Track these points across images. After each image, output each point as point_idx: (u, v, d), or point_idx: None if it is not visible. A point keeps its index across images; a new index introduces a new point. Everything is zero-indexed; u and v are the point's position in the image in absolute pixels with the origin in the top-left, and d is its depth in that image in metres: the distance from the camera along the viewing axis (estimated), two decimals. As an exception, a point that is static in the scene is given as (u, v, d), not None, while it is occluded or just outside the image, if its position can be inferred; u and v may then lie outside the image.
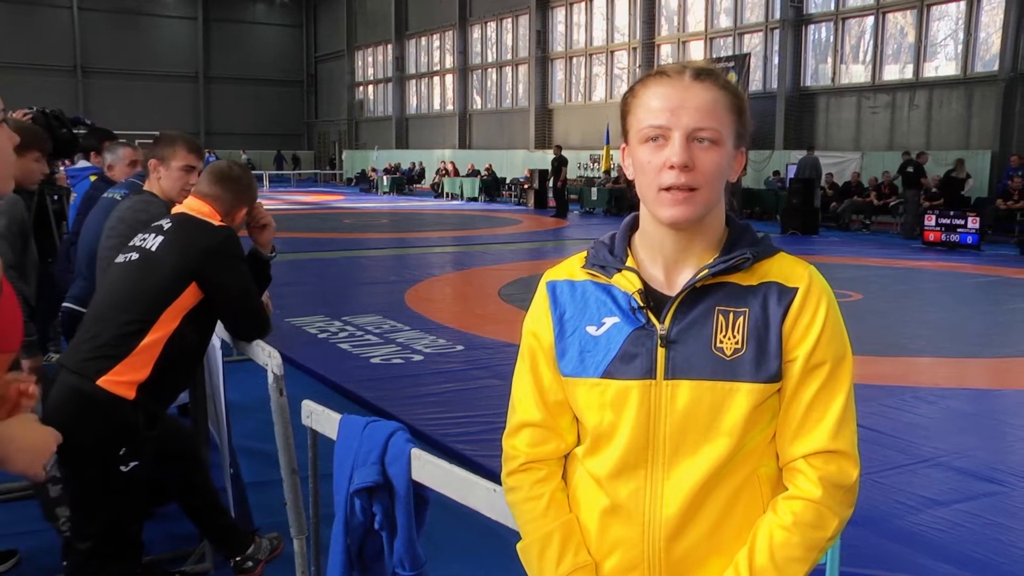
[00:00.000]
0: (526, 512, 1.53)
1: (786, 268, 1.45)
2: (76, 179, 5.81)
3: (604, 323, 1.46)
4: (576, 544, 1.49)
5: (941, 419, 5.65)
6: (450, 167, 33.03)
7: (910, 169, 17.81)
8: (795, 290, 1.42)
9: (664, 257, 1.46)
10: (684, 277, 1.44)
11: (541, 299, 1.55)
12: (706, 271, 1.41)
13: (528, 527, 1.53)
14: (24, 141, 3.72)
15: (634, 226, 1.53)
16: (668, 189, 1.38)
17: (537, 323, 1.55)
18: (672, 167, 1.37)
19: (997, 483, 4.51)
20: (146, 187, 3.74)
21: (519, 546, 1.55)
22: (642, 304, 1.43)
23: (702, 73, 1.41)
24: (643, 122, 1.41)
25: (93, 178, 5.42)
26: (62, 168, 6.06)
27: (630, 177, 1.47)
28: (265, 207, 3.33)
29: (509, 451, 1.57)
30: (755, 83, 24.89)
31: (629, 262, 1.48)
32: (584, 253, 1.55)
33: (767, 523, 1.40)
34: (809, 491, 1.39)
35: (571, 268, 1.55)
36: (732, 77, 1.55)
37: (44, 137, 4.18)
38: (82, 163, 5.98)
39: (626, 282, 1.46)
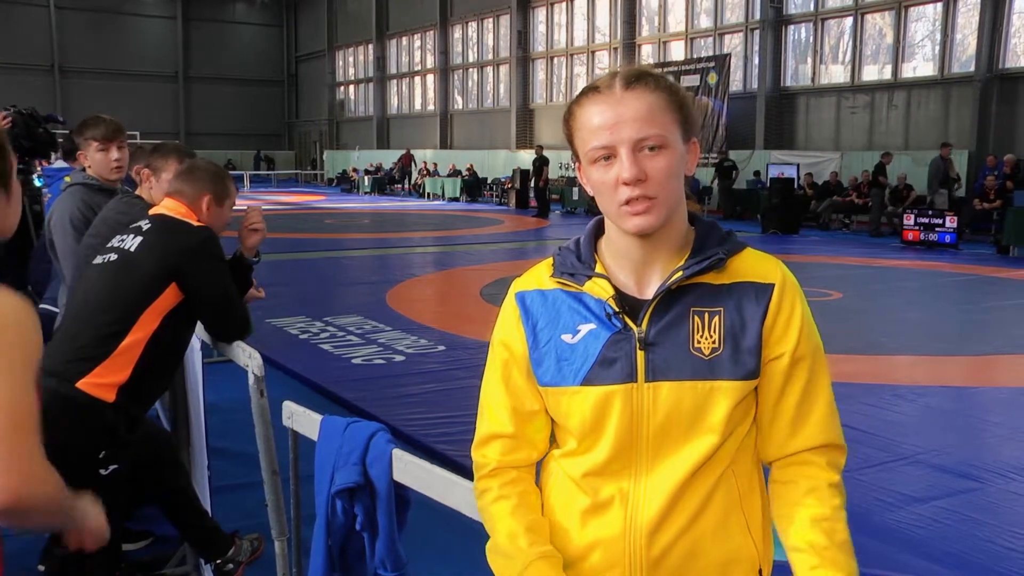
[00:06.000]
0: (495, 512, 1.52)
1: (757, 265, 1.47)
2: (52, 179, 5.76)
3: (579, 330, 1.45)
4: (543, 537, 1.49)
5: (920, 417, 5.71)
6: (416, 163, 33.37)
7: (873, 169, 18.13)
8: (771, 287, 1.44)
9: (632, 262, 1.46)
10: (654, 280, 1.45)
11: (511, 310, 1.54)
12: (680, 273, 1.42)
13: (497, 526, 1.51)
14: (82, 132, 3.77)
15: (598, 231, 1.54)
16: (627, 202, 1.38)
17: (509, 334, 1.54)
18: (626, 183, 1.37)
19: (974, 479, 4.56)
20: (137, 193, 3.74)
21: (487, 546, 1.54)
22: (618, 309, 1.43)
23: (632, 80, 1.39)
24: (588, 143, 1.40)
25: (68, 179, 5.37)
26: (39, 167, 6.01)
27: (590, 194, 1.47)
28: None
29: (479, 460, 1.57)
30: (735, 83, 25.02)
31: (598, 268, 1.48)
32: (550, 260, 1.54)
33: (809, 519, 1.41)
34: (829, 477, 1.45)
35: (539, 277, 1.54)
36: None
37: (102, 123, 3.83)
38: (59, 163, 5.93)
39: (599, 288, 1.46)
